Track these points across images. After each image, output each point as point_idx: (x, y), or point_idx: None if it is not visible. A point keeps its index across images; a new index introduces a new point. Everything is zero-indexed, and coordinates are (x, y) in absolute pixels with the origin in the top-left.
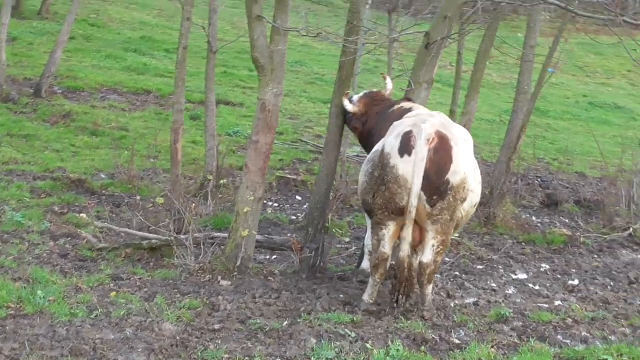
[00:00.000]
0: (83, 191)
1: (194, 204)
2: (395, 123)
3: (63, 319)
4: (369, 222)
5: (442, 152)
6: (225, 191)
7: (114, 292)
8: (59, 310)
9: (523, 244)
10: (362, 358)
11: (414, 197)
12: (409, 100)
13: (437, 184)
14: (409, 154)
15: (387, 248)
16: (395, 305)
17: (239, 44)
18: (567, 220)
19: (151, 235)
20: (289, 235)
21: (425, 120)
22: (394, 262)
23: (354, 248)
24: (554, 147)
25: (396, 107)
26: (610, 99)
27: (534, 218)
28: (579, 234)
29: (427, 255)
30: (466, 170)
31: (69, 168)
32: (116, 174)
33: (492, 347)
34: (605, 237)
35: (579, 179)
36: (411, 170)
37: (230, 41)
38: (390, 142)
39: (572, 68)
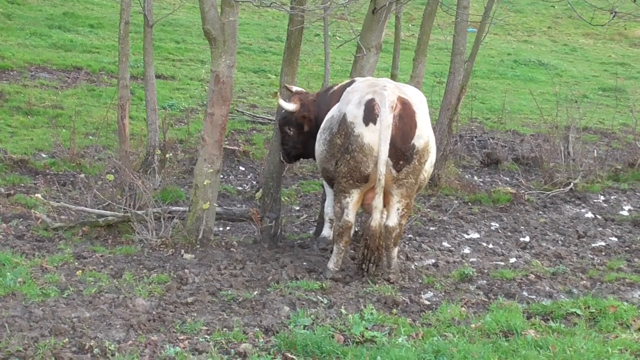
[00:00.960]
0: (26, 171)
1: (140, 180)
2: (348, 89)
3: (36, 300)
4: (327, 190)
5: (406, 117)
6: (170, 165)
7: (80, 271)
8: (30, 291)
9: (469, 203)
10: (339, 323)
11: (382, 165)
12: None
13: (403, 150)
14: (374, 122)
15: (350, 216)
16: (365, 273)
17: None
18: (507, 178)
19: (108, 212)
20: (238, 205)
21: (384, 87)
22: (357, 229)
23: (304, 215)
24: (484, 106)
25: (335, 87)
26: (534, 56)
27: (475, 177)
28: (522, 191)
29: (393, 219)
30: (429, 133)
31: (8, 149)
32: (57, 153)
33: (462, 306)
34: (548, 193)
35: (513, 136)
36: (377, 139)
37: (167, 13)
38: (351, 110)
39: (493, 27)
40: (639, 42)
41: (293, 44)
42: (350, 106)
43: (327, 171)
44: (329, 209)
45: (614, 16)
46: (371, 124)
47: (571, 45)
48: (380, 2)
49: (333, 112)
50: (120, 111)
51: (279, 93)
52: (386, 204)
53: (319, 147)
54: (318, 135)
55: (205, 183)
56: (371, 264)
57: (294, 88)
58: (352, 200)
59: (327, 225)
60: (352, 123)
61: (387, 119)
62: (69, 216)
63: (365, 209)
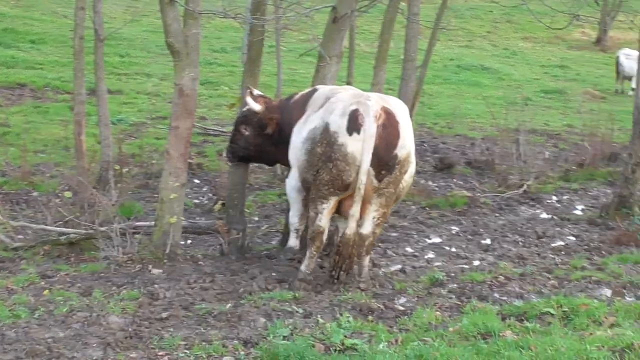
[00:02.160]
0: None
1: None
2: (332, 99)
3: (7, 322)
4: (291, 200)
5: (389, 127)
6: (125, 180)
7: (47, 290)
8: (0, 313)
9: (427, 208)
10: (317, 332)
11: (363, 174)
12: None
13: (385, 160)
14: (358, 132)
15: (323, 222)
16: (335, 281)
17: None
18: (461, 182)
19: (70, 230)
20: (198, 218)
21: (368, 97)
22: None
23: (265, 226)
24: (432, 111)
25: (296, 96)
26: (476, 60)
27: (430, 182)
28: (478, 194)
29: (367, 227)
30: (411, 144)
31: None
32: (7, 171)
33: (437, 310)
34: (502, 195)
35: (463, 140)
36: (360, 148)
37: (118, 28)
38: (335, 120)
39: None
40: (576, 44)
41: (254, 55)
42: (333, 116)
43: (306, 181)
44: (294, 219)
45: (573, 18)
46: (355, 134)
47: (511, 49)
48: (342, 11)
49: (315, 122)
50: (76, 127)
51: (248, 91)
52: (363, 212)
53: (300, 157)
54: (299, 145)
55: (171, 197)
56: (342, 272)
57: (256, 91)
58: (329, 207)
59: (292, 236)
60: (335, 132)
61: (370, 128)
62: (25, 235)
63: (342, 216)
